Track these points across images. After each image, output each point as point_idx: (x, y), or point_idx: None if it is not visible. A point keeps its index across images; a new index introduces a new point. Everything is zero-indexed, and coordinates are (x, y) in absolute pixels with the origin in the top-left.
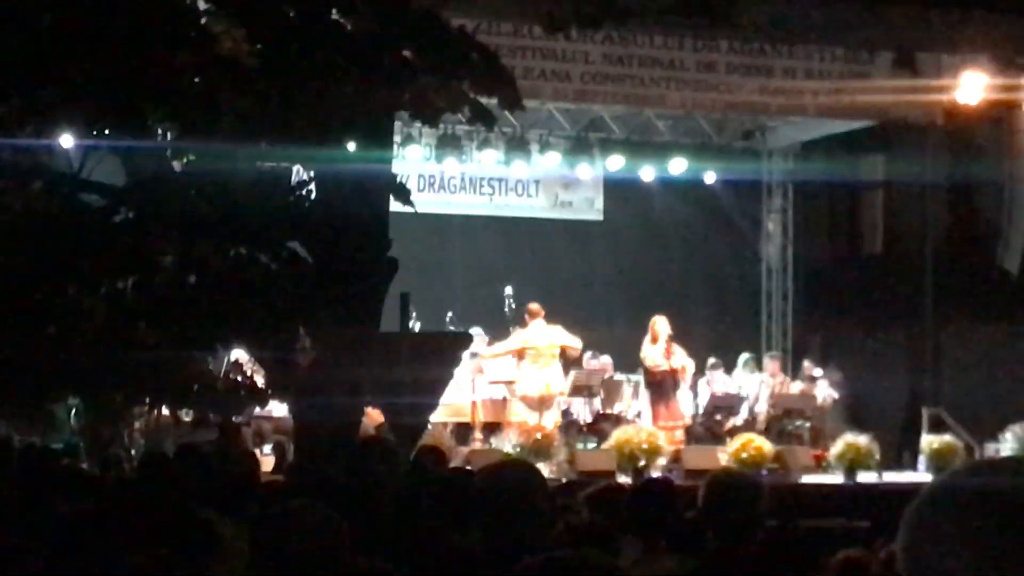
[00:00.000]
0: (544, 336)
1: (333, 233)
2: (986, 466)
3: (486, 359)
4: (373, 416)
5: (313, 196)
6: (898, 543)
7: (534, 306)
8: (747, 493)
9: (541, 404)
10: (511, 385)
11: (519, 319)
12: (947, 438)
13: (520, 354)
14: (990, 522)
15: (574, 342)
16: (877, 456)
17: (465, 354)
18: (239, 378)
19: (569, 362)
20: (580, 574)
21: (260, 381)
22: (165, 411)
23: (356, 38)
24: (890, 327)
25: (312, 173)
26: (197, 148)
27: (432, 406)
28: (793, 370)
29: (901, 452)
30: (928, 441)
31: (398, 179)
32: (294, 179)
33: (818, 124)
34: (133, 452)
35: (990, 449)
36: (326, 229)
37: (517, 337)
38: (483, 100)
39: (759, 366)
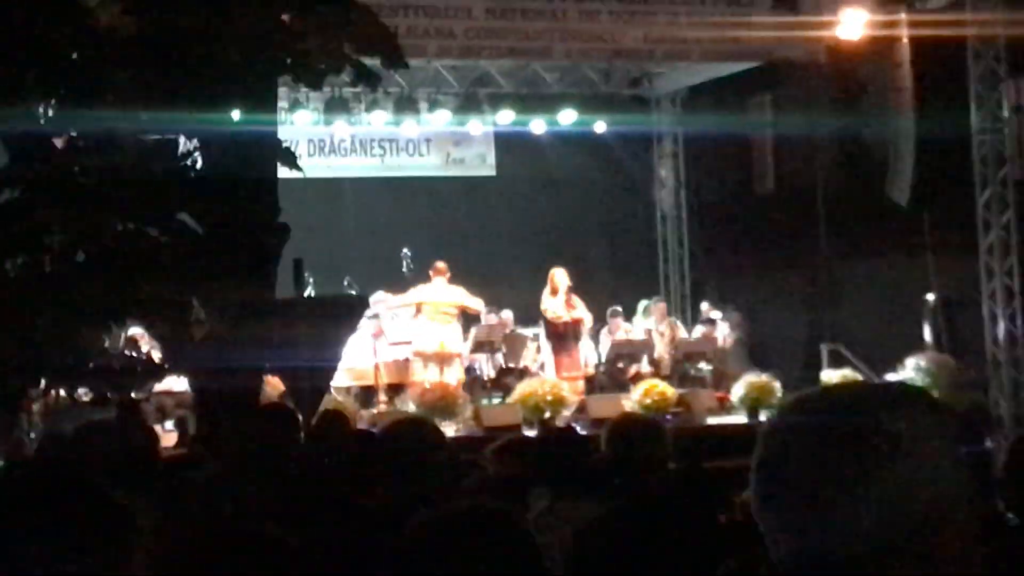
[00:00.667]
0: (444, 294)
1: (221, 202)
2: (803, 402)
3: (388, 319)
4: (275, 383)
5: (199, 165)
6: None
7: (440, 264)
8: (649, 435)
9: (439, 360)
10: (411, 344)
11: (418, 279)
12: (846, 372)
13: (418, 309)
14: (808, 460)
15: (475, 303)
16: (779, 394)
17: (364, 317)
18: (135, 354)
19: (470, 320)
20: (476, 522)
21: (157, 356)
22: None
23: (234, 2)
24: (786, 266)
25: (197, 142)
26: (78, 122)
27: (331, 370)
28: (692, 313)
29: (803, 388)
30: (828, 376)
31: (284, 144)
32: (180, 149)
33: (704, 68)
34: (33, 435)
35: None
36: (214, 198)
37: (416, 292)
38: (366, 60)
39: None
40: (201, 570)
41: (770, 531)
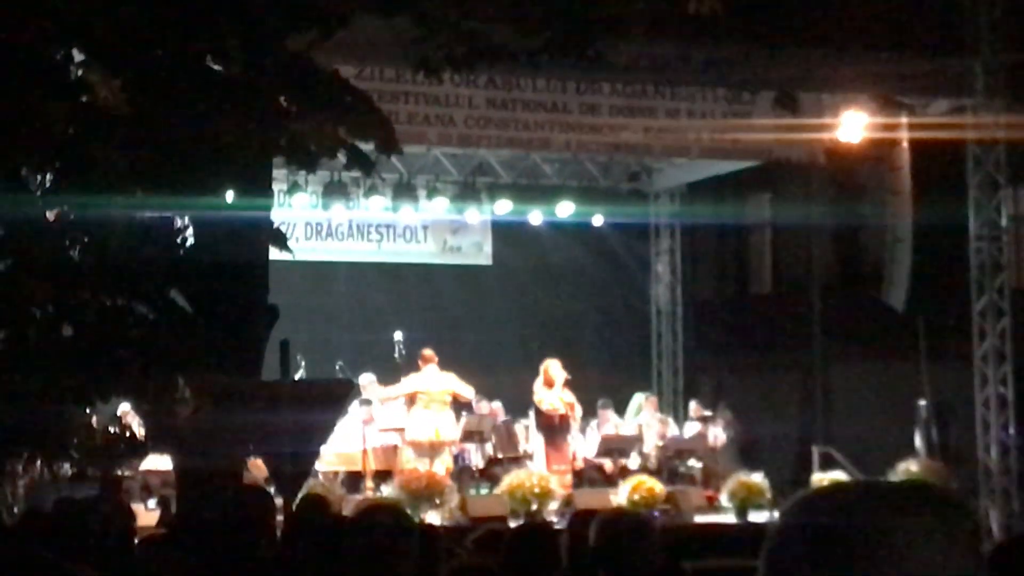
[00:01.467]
0: (436, 382)
1: (211, 281)
2: (811, 502)
3: (378, 405)
4: (259, 465)
5: (190, 244)
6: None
7: (427, 352)
8: (637, 532)
9: (432, 450)
10: (402, 432)
11: (410, 365)
12: (837, 475)
13: (412, 399)
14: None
15: (466, 391)
16: (769, 495)
17: (355, 402)
18: (120, 431)
19: (461, 408)
20: None
21: (142, 433)
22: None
23: (230, 83)
24: (779, 366)
25: (188, 221)
26: (71, 198)
27: (315, 454)
28: (684, 410)
29: (793, 490)
30: (819, 479)
31: (276, 226)
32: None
33: (703, 165)
34: (16, 509)
35: None
36: (204, 277)
37: (409, 381)
38: (362, 145)
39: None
40: None
41: None
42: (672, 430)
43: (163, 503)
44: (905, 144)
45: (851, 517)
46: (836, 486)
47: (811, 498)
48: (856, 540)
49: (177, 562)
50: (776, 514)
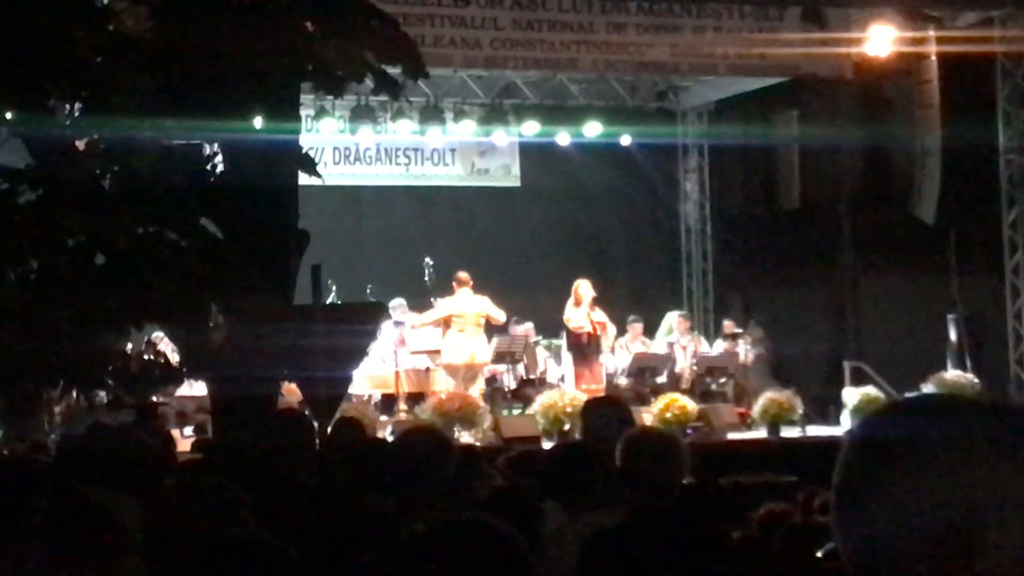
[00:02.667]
0: (470, 305)
1: (241, 207)
2: (902, 409)
3: (411, 329)
4: (293, 390)
5: (220, 171)
6: (832, 501)
7: (462, 275)
8: (664, 450)
9: (467, 373)
10: (435, 354)
11: (440, 289)
12: (869, 390)
13: (446, 322)
14: (916, 466)
15: (498, 314)
16: (800, 411)
17: (387, 325)
18: (154, 358)
19: (492, 330)
20: (470, 536)
21: (175, 360)
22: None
23: (255, 8)
24: (809, 282)
25: (218, 147)
26: (100, 126)
27: (348, 378)
28: (715, 328)
29: (824, 406)
30: (850, 394)
31: (304, 151)
32: (202, 154)
33: (730, 82)
34: (54, 437)
35: None
36: (234, 203)
37: (443, 305)
38: (389, 69)
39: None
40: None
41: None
42: (703, 348)
43: (199, 429)
44: (933, 57)
45: (925, 429)
46: (911, 399)
47: (883, 411)
48: (928, 451)
49: (215, 487)
50: (807, 430)
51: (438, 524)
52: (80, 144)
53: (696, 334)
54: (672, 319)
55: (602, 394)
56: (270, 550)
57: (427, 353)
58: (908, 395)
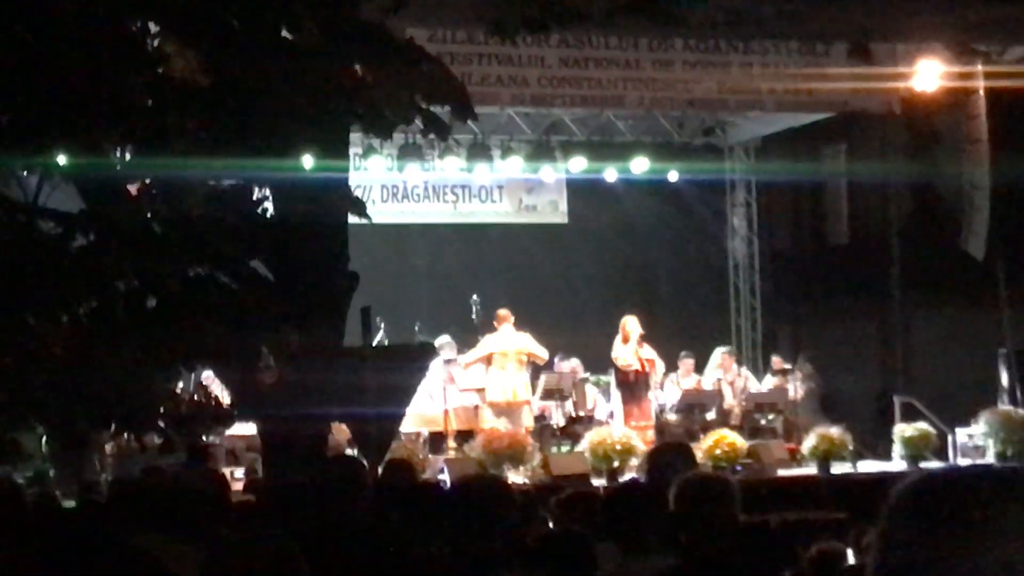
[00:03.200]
0: (511, 342)
1: (291, 249)
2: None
3: (462, 368)
4: (342, 430)
5: (270, 212)
6: (874, 538)
7: (503, 312)
8: (718, 493)
9: (508, 410)
10: (483, 392)
11: (487, 326)
12: (920, 425)
13: (488, 360)
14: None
15: (540, 351)
16: (850, 446)
17: (436, 363)
18: (204, 399)
19: (539, 366)
20: None
21: (226, 401)
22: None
23: (304, 53)
24: (859, 317)
25: (268, 189)
26: (151, 169)
27: (398, 418)
28: (764, 363)
29: (875, 441)
30: (901, 429)
31: (353, 191)
32: (252, 196)
33: (778, 118)
34: (104, 477)
35: (962, 435)
36: (284, 245)
37: (486, 343)
38: (437, 109)
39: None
40: None
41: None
42: (752, 384)
43: (249, 468)
44: (981, 92)
45: (965, 500)
46: (952, 469)
47: (927, 478)
48: (969, 522)
49: (271, 541)
50: (858, 466)
51: None
52: (132, 188)
53: (741, 370)
54: (720, 354)
55: (652, 430)
56: None
57: (476, 391)
58: (942, 467)
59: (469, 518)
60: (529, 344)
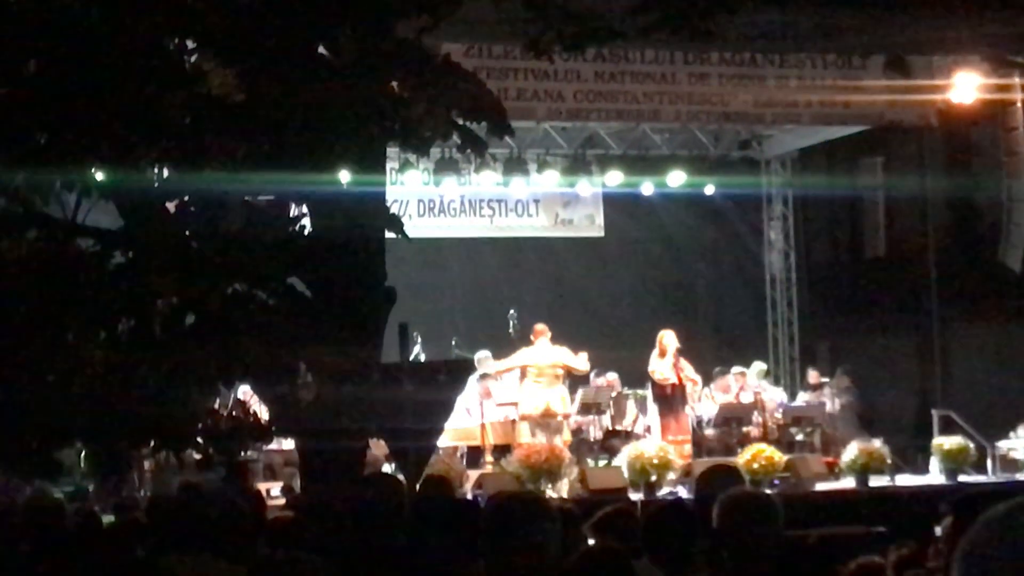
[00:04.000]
0: (546, 355)
1: (329, 266)
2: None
3: (494, 380)
4: (381, 446)
5: (308, 230)
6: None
7: (539, 326)
8: (762, 511)
9: (543, 422)
10: (516, 405)
11: (524, 341)
12: (958, 439)
13: (523, 372)
14: None
15: (578, 363)
16: (889, 460)
17: (473, 377)
18: (243, 415)
19: (577, 381)
20: None
21: (264, 417)
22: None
23: (341, 70)
24: (897, 330)
25: (306, 206)
26: (189, 187)
27: (436, 434)
28: (800, 377)
29: (913, 455)
30: (939, 443)
31: (390, 206)
32: (290, 214)
33: (814, 131)
34: (142, 493)
35: (1002, 448)
36: (321, 262)
37: (521, 355)
38: (474, 126)
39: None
40: None
41: None
42: (776, 397)
43: (287, 485)
44: (1019, 104)
45: None
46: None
47: (1009, 514)
48: None
49: (304, 550)
50: (896, 480)
51: None
52: (170, 205)
53: (769, 383)
54: (758, 368)
55: (689, 444)
56: None
57: (512, 405)
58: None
59: (506, 536)
60: (565, 357)
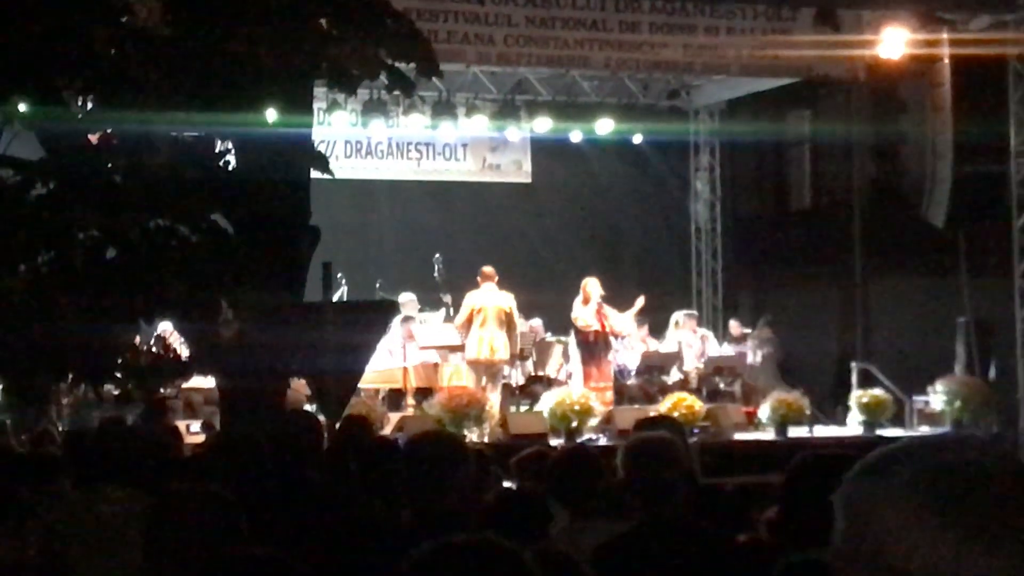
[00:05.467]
0: (493, 299)
1: (253, 203)
2: (927, 443)
3: (416, 321)
4: (302, 386)
5: (232, 166)
6: (836, 520)
7: (487, 269)
8: (666, 455)
9: (489, 368)
10: (443, 350)
11: (449, 284)
12: (876, 392)
13: (469, 318)
14: (933, 498)
15: (516, 318)
16: (808, 411)
17: (397, 320)
18: (163, 351)
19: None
20: (477, 557)
21: (185, 354)
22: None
23: (269, 6)
24: (819, 283)
25: (231, 143)
26: (113, 120)
27: (358, 374)
28: (724, 328)
29: (832, 407)
30: (858, 395)
31: (317, 147)
32: (215, 149)
33: (743, 82)
34: (61, 428)
35: (919, 403)
36: (246, 199)
37: (468, 299)
38: (402, 66)
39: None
40: None
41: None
42: (712, 347)
43: (206, 423)
44: (946, 60)
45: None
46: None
47: (883, 457)
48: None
49: (216, 499)
50: (815, 431)
51: (445, 545)
52: (93, 138)
53: (704, 333)
54: (679, 317)
55: (610, 392)
56: (270, 566)
57: (436, 348)
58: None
59: (422, 476)
60: (512, 302)
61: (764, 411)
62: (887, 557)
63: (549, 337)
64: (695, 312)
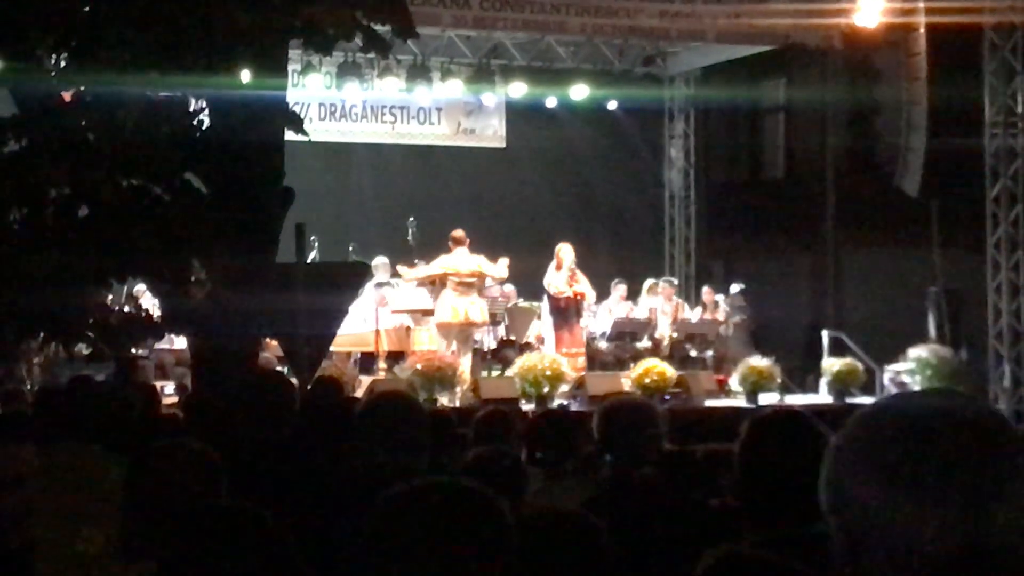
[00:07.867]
0: (465, 263)
1: (227, 163)
2: (909, 396)
3: (403, 282)
4: (274, 347)
5: (206, 126)
6: (821, 479)
7: (458, 233)
8: (641, 418)
9: (460, 332)
10: (416, 314)
11: (422, 248)
12: (848, 360)
13: (441, 281)
14: (914, 451)
15: (497, 271)
16: (779, 379)
17: (369, 284)
18: (135, 311)
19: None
20: (450, 499)
21: (157, 314)
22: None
23: None
24: (792, 251)
25: (205, 102)
26: (86, 78)
27: (329, 337)
28: (696, 294)
29: (803, 375)
30: (829, 364)
31: (291, 107)
32: (189, 109)
33: (719, 49)
34: (30, 387)
35: (890, 371)
36: (219, 159)
37: (438, 262)
38: (378, 28)
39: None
40: (175, 542)
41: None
42: (684, 314)
43: (179, 384)
44: (922, 29)
45: (926, 410)
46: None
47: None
48: (930, 434)
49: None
50: (786, 399)
51: (418, 487)
52: (66, 95)
53: (677, 300)
54: (654, 284)
55: (583, 357)
56: (249, 519)
57: (408, 312)
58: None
59: (378, 435)
60: (484, 265)
61: (735, 378)
62: (855, 526)
63: (522, 302)
64: (675, 280)
